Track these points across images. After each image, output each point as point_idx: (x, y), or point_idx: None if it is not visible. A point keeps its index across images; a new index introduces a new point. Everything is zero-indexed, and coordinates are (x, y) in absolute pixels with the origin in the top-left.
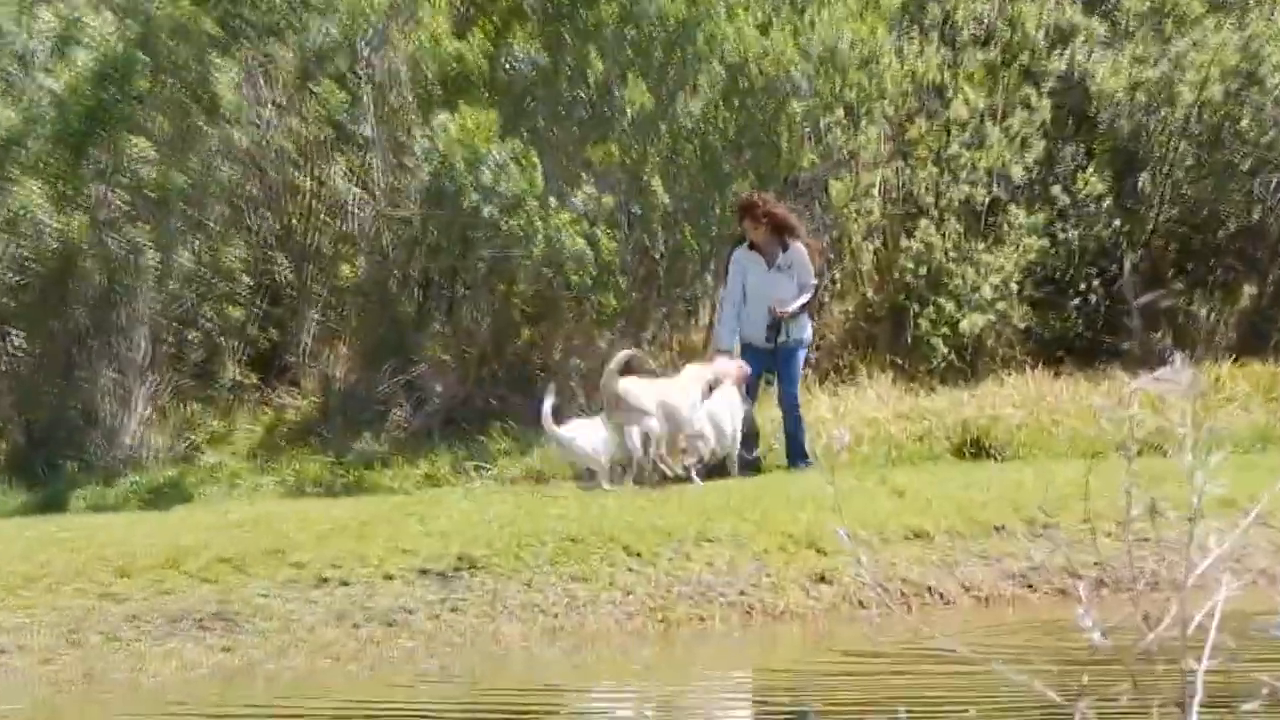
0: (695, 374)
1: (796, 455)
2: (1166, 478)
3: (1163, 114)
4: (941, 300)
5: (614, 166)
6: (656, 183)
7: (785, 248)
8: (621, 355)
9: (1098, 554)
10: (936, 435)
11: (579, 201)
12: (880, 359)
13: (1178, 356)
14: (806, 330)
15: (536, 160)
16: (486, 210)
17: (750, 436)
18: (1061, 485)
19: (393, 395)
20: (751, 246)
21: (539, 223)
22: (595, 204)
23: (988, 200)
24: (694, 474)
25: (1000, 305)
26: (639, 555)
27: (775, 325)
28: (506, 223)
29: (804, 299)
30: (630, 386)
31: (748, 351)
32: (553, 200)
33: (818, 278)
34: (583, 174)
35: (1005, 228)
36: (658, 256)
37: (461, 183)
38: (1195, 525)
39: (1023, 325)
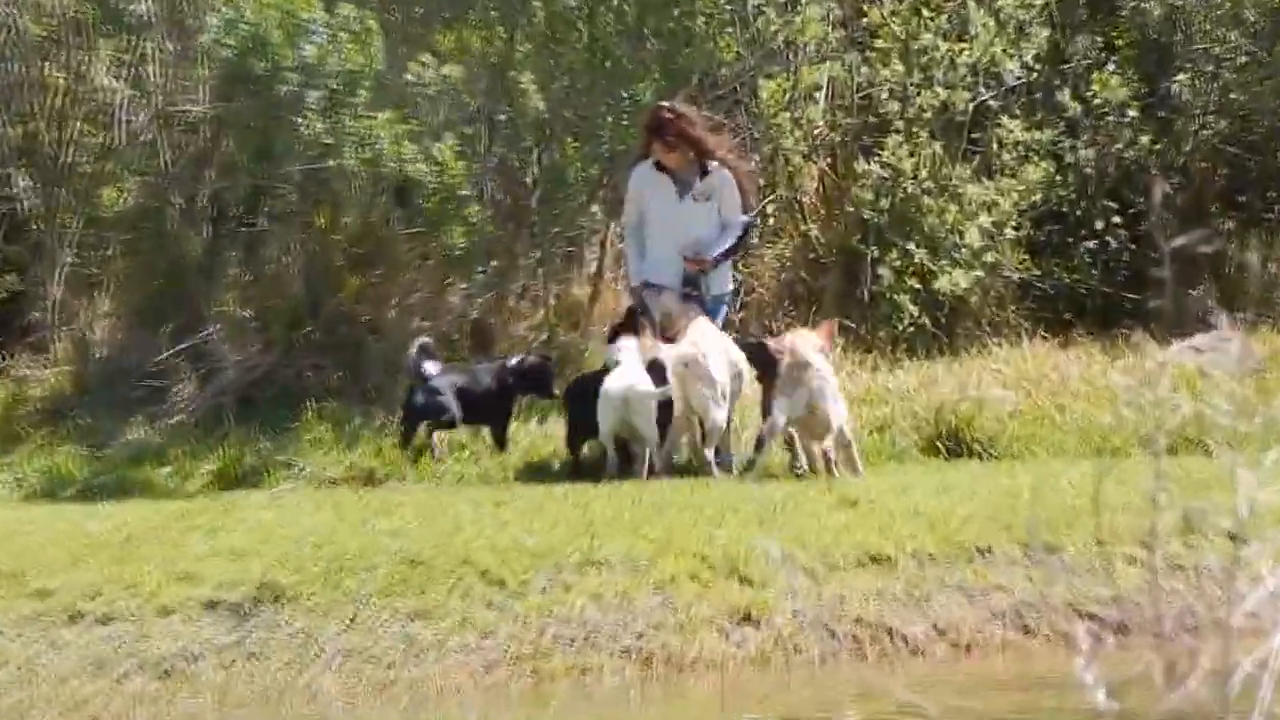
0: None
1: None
2: (1208, 483)
3: None
4: (910, 245)
5: (470, 59)
6: (527, 80)
7: (705, 171)
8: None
9: (1114, 586)
10: (902, 425)
11: (423, 99)
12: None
13: (1223, 319)
14: (728, 282)
15: (375, 25)
16: (312, 97)
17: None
18: (1068, 493)
19: (173, 366)
20: (660, 166)
21: (350, 120)
22: (443, 107)
23: (972, 109)
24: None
25: (989, 254)
26: (502, 585)
27: (688, 277)
28: (326, 121)
29: (729, 242)
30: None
31: (659, 296)
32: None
33: (748, 213)
34: (426, 66)
35: (996, 147)
36: (529, 181)
37: (276, 56)
38: (1243, 546)
39: (1018, 278)
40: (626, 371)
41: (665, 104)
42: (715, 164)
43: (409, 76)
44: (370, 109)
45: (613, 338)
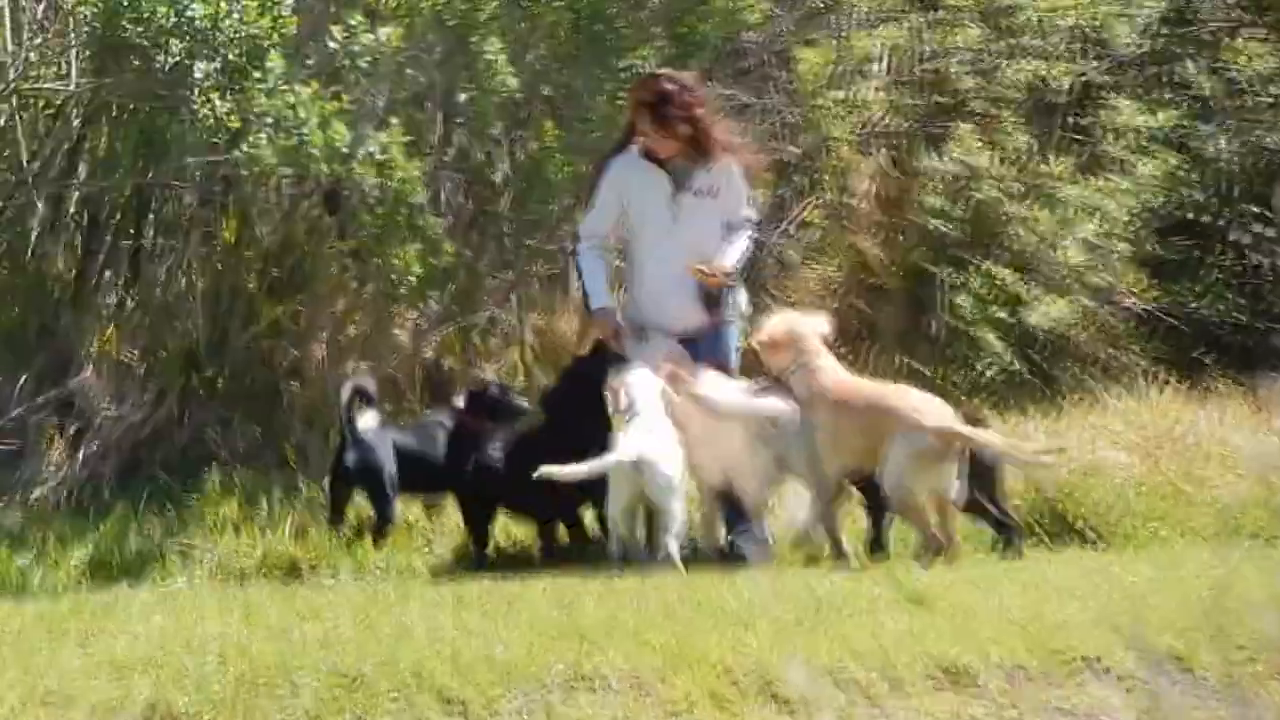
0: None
1: (737, 530)
2: None
3: None
4: (993, 265)
5: (421, 20)
6: (494, 48)
7: (707, 160)
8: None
9: (1261, 711)
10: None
11: (355, 73)
12: (886, 362)
13: None
14: (741, 301)
15: None
16: (200, 70)
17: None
18: (1201, 589)
19: (35, 421)
20: (648, 156)
21: (263, 96)
22: (383, 85)
23: (1074, 86)
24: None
25: (1095, 275)
26: (464, 709)
27: (709, 294)
28: (227, 99)
29: (741, 246)
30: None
31: (645, 344)
32: (302, 85)
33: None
34: (356, 29)
35: (1104, 135)
36: (497, 181)
37: (150, 17)
38: None
39: (1137, 308)
40: (645, 427)
41: (664, 71)
42: (722, 154)
43: (332, 44)
44: (287, 82)
45: (578, 376)
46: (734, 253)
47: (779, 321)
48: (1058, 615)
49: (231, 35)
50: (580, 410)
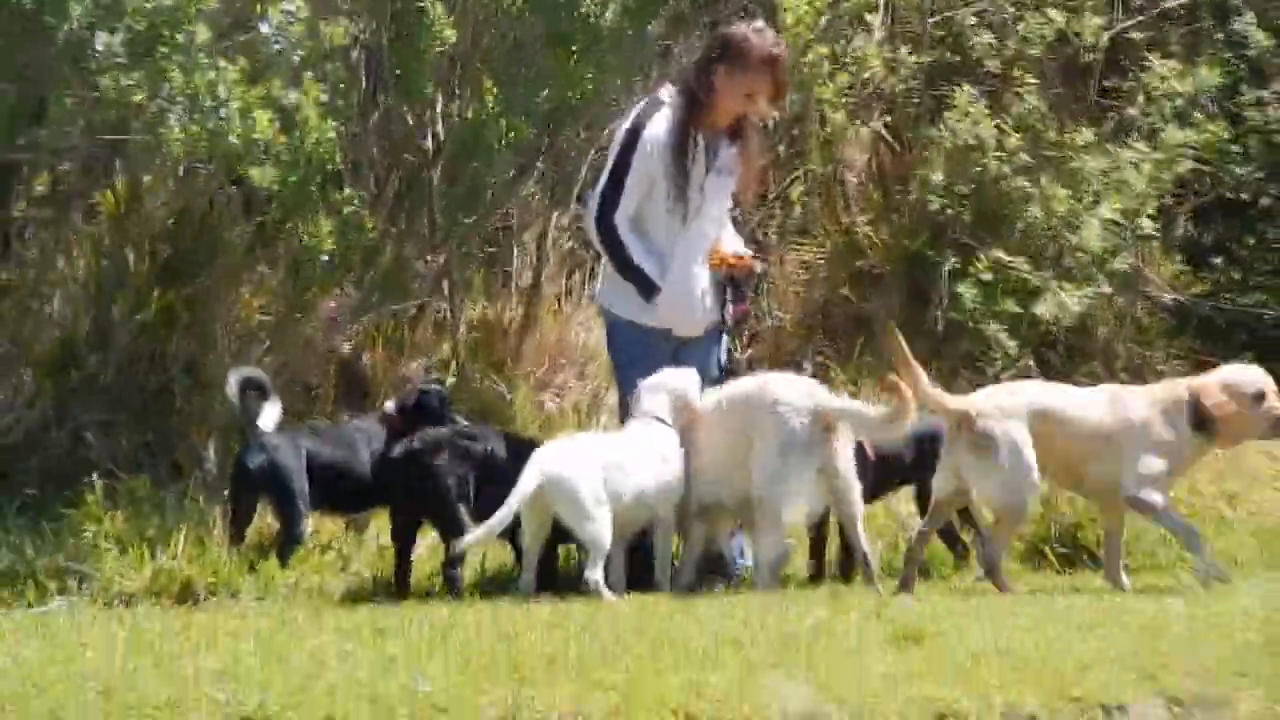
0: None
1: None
2: None
3: None
4: (1001, 251)
5: None
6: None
7: (736, 134)
8: None
9: None
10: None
11: (271, 31)
12: (880, 362)
13: None
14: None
15: None
16: (103, 42)
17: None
18: (1240, 625)
19: None
20: (687, 125)
21: (178, 72)
22: (300, 44)
23: (1102, 47)
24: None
25: (1118, 261)
26: None
27: (734, 284)
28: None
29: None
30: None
31: (653, 343)
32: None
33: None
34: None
35: (1142, 100)
36: (429, 148)
37: None
38: None
39: (1169, 298)
40: (566, 443)
41: (759, 24)
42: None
43: (264, 28)
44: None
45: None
46: (736, 239)
47: None
48: (1073, 654)
49: (140, 5)
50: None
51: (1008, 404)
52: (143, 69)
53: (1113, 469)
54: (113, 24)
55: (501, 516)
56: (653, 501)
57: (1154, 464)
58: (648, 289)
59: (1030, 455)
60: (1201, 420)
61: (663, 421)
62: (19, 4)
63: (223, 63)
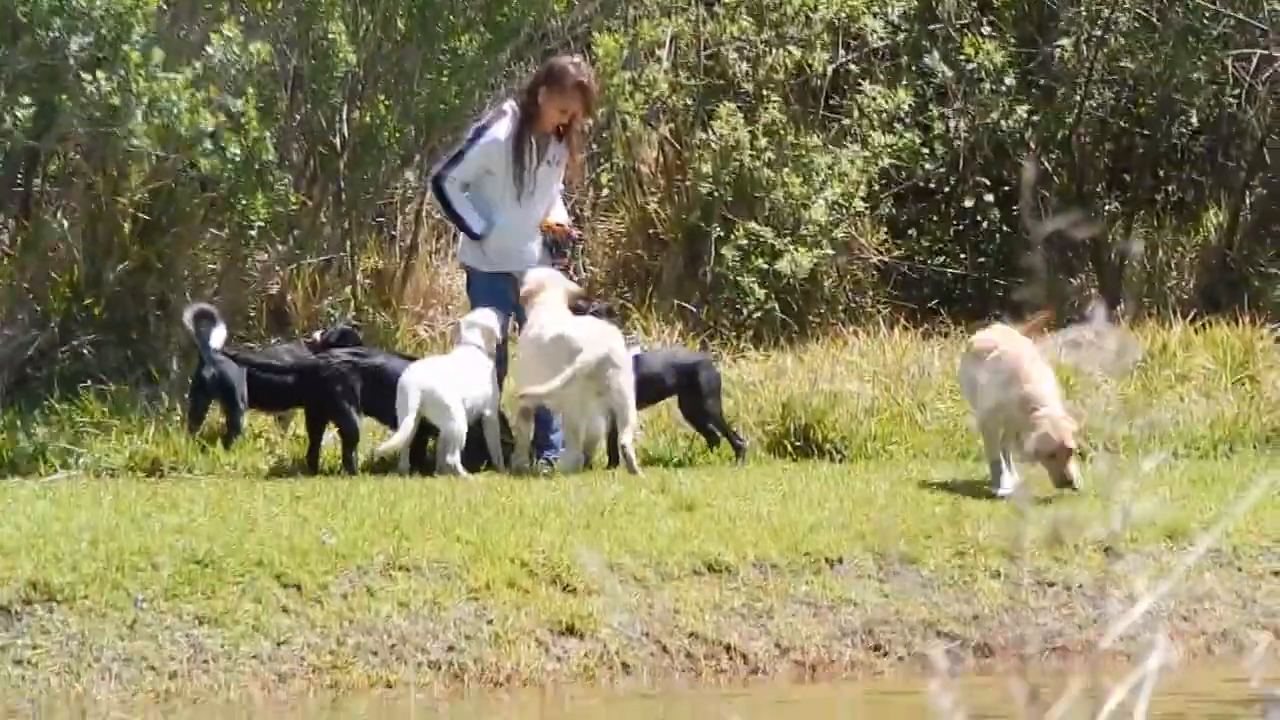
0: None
1: (541, 443)
2: (1082, 491)
3: None
4: (754, 223)
5: (273, 4)
6: (337, 30)
7: (563, 135)
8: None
9: (976, 603)
10: (745, 421)
11: (216, 52)
12: (665, 306)
13: (1100, 312)
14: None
15: None
16: (76, 44)
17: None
18: (927, 500)
19: None
20: (526, 127)
21: (141, 81)
22: (237, 58)
23: (830, 72)
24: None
25: (840, 230)
26: (299, 589)
27: (557, 245)
28: (110, 80)
29: (562, 206)
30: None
31: (497, 286)
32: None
33: None
34: (226, 9)
35: (857, 114)
36: (337, 143)
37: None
38: (1116, 561)
39: (877, 261)
40: (433, 361)
41: (576, 59)
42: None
43: (210, 50)
44: (152, 61)
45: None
46: (563, 212)
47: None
48: (805, 520)
49: (104, 11)
50: None
51: None
52: (115, 74)
53: None
54: (82, 28)
55: (407, 429)
56: (479, 406)
57: None
58: (470, 234)
59: None
60: None
61: (479, 348)
62: (17, 19)
63: (173, 73)
